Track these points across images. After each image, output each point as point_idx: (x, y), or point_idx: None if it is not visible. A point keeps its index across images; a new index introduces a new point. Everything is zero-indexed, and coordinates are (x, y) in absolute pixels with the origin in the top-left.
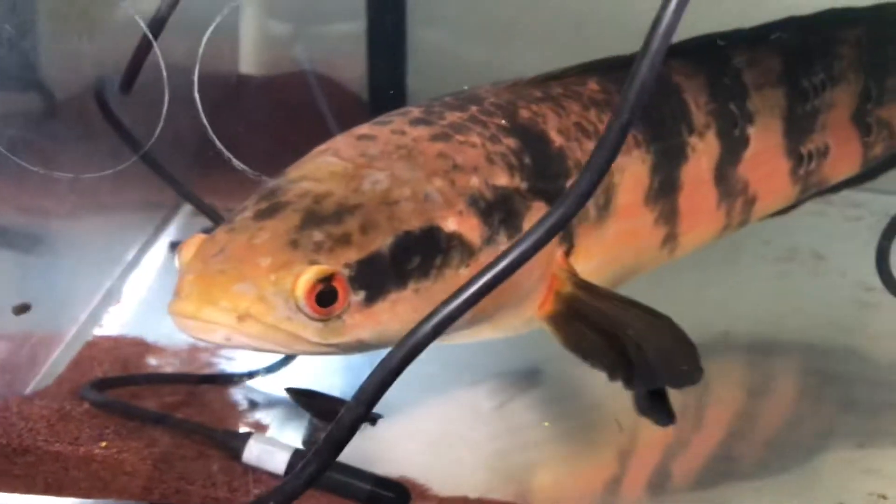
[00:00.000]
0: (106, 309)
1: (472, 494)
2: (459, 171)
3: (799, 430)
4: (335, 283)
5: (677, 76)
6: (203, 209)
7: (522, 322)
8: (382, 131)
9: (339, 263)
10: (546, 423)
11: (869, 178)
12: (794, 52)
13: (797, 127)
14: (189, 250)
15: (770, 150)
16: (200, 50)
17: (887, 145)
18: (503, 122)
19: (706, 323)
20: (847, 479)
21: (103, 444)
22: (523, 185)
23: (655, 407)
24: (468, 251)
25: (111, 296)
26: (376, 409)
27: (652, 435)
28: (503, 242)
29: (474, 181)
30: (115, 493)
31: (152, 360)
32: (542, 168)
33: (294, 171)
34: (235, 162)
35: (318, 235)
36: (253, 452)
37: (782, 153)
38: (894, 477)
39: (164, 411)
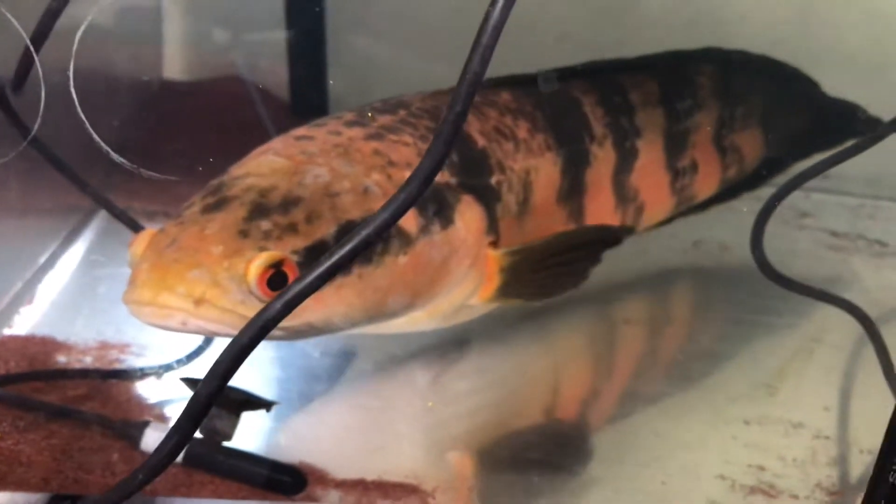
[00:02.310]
0: (17, 310)
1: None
2: (394, 166)
3: (688, 411)
4: (285, 268)
5: (577, 92)
6: (104, 205)
7: (454, 310)
8: (319, 132)
9: (288, 250)
10: (430, 404)
11: (719, 202)
12: (668, 78)
13: (673, 144)
14: (140, 243)
15: (654, 162)
16: (74, 47)
17: (738, 170)
18: (430, 123)
19: (608, 310)
20: (730, 453)
21: None
22: (453, 181)
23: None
24: (406, 240)
25: (22, 297)
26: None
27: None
28: (437, 232)
29: (408, 175)
30: (13, 484)
31: (61, 359)
32: (468, 165)
33: (237, 170)
34: (114, 155)
35: (266, 225)
36: (150, 440)
37: (663, 166)
38: (774, 450)
39: (63, 404)
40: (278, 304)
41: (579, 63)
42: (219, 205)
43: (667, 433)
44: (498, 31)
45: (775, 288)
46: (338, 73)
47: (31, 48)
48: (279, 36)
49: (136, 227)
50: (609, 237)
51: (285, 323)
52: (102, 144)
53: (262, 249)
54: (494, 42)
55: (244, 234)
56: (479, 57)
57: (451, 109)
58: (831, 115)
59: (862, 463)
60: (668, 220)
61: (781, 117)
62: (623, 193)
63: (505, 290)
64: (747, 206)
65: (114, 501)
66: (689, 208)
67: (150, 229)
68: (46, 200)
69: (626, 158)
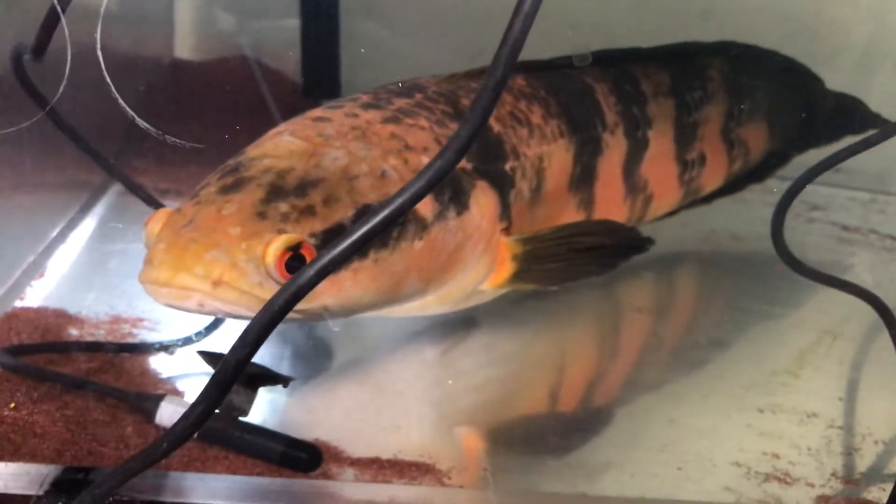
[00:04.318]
0: (28, 282)
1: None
2: (411, 150)
3: (703, 398)
4: (303, 251)
5: (591, 79)
6: (119, 177)
7: (465, 294)
8: (336, 114)
9: (306, 233)
10: (450, 382)
11: (724, 194)
12: (680, 70)
13: (683, 135)
14: (157, 222)
15: (664, 153)
16: (101, 9)
17: (743, 163)
18: (447, 108)
19: (619, 297)
20: (745, 441)
21: (12, 405)
22: (468, 166)
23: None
24: (422, 224)
25: (34, 270)
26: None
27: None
28: (452, 217)
29: (425, 160)
30: (27, 455)
31: (73, 331)
32: (484, 151)
33: (253, 150)
34: (140, 121)
35: (284, 207)
36: (165, 414)
37: (673, 158)
38: (788, 439)
39: (77, 375)
40: (311, 272)
41: (593, 51)
42: (236, 185)
43: (681, 420)
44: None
45: (788, 278)
46: (351, 56)
47: (59, 8)
48: (293, 19)
49: (152, 202)
50: (632, 242)
51: (302, 305)
52: (129, 111)
53: (280, 232)
54: (536, 8)
55: (262, 215)
56: (520, 23)
57: (490, 76)
58: (833, 111)
59: (876, 453)
60: (674, 212)
61: (786, 112)
62: (633, 183)
63: (519, 277)
64: (759, 197)
65: (136, 470)
66: (694, 200)
67: (167, 208)
68: (57, 175)
69: (636, 148)
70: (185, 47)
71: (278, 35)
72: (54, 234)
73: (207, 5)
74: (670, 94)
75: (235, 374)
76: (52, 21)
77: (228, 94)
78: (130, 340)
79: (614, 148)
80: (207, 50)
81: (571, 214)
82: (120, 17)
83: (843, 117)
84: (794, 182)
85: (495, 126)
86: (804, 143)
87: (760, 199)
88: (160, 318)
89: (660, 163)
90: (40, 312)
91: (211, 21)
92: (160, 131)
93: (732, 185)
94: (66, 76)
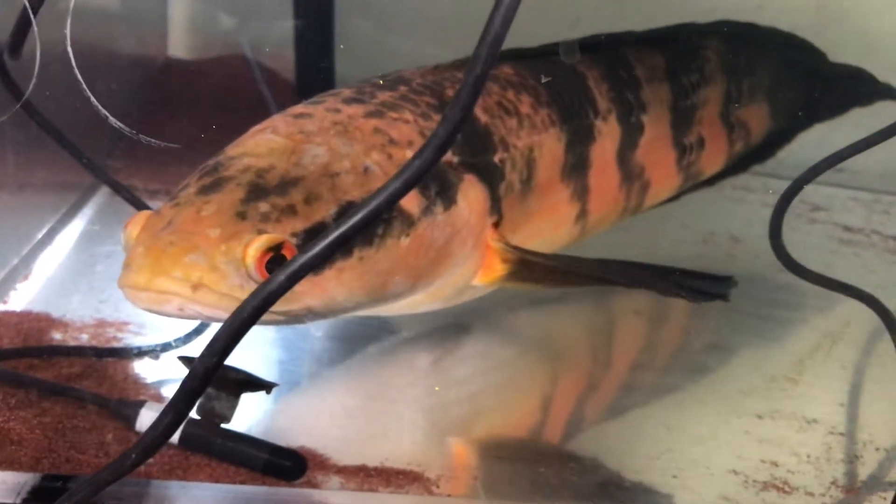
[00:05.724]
0: (13, 285)
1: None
2: (395, 145)
3: (699, 404)
4: (284, 252)
5: (582, 66)
6: (103, 178)
7: (456, 291)
8: (317, 110)
9: (287, 232)
10: (437, 388)
11: (727, 176)
12: (675, 52)
13: (680, 119)
14: (135, 226)
15: (660, 138)
16: (71, 5)
17: (745, 144)
18: (432, 100)
19: (615, 303)
20: (743, 448)
21: None
22: (455, 160)
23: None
24: (408, 221)
25: (19, 272)
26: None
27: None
28: (439, 213)
29: (410, 154)
30: (3, 463)
31: (57, 336)
32: (470, 143)
33: (233, 149)
34: (112, 120)
35: (264, 207)
36: (146, 421)
37: (670, 142)
38: (787, 446)
39: (56, 381)
40: (282, 277)
41: (584, 36)
42: (215, 186)
43: (678, 426)
44: None
45: (788, 280)
46: (345, 57)
47: (29, 8)
48: (288, 18)
49: (138, 205)
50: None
51: (284, 306)
52: (101, 109)
53: (260, 232)
54: (517, 2)
55: (242, 216)
56: (500, 18)
57: (469, 73)
58: (838, 84)
59: (878, 460)
60: (675, 197)
61: (788, 89)
62: (628, 170)
63: (512, 279)
64: (759, 197)
65: (106, 482)
66: (696, 184)
67: (146, 211)
68: (44, 176)
69: (631, 134)
70: (178, 46)
71: (272, 34)
72: (41, 235)
73: (202, 4)
74: (665, 77)
75: (204, 384)
76: (25, 19)
77: (223, 93)
78: (115, 344)
79: (607, 135)
80: (202, 49)
81: (564, 205)
82: (114, 16)
83: (849, 90)
84: (793, 182)
85: (482, 117)
86: (808, 118)
87: (760, 199)
88: (145, 322)
89: (656, 148)
90: (23, 316)
91: (205, 20)
92: (136, 130)
93: (735, 167)
94: (35, 74)
